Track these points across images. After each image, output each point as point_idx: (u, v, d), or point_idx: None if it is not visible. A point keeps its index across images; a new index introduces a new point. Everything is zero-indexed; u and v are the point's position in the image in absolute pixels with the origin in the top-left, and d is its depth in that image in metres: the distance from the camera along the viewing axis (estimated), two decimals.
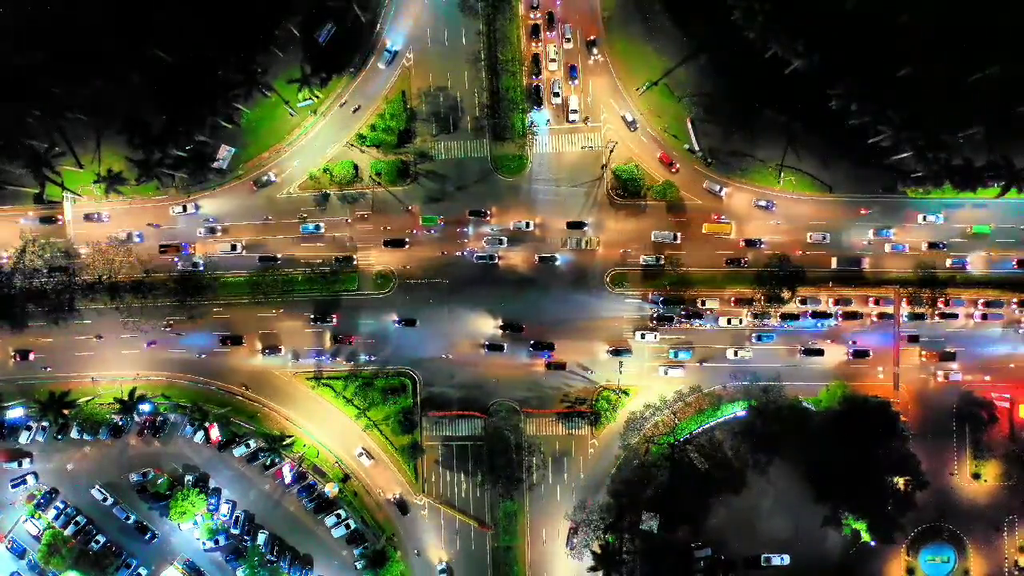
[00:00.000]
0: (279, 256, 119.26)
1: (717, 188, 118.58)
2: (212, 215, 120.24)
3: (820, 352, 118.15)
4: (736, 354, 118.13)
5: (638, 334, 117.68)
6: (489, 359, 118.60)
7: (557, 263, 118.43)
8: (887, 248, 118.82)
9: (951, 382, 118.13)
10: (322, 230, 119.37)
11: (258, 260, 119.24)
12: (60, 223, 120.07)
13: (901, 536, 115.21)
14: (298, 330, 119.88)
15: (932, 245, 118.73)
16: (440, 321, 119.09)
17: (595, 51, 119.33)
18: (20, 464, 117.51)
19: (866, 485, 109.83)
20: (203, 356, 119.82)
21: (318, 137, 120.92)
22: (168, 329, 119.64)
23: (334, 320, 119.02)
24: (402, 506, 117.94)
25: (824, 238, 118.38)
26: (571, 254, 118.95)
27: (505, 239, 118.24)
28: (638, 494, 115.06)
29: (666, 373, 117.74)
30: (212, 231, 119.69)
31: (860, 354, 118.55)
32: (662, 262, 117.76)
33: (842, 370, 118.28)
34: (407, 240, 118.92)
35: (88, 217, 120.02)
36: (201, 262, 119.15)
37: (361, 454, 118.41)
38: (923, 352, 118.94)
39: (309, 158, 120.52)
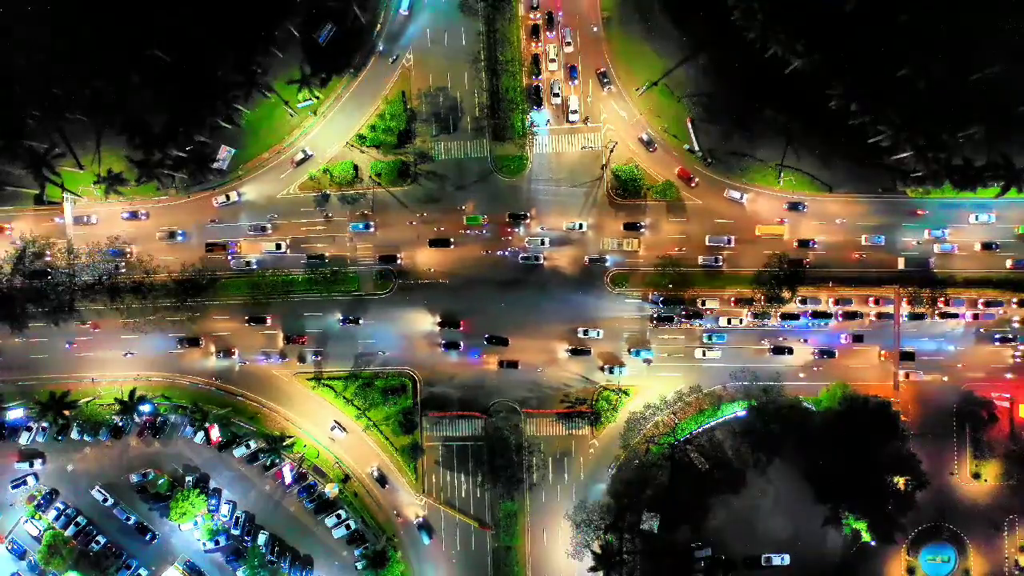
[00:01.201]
0: (327, 255, 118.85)
1: (738, 195, 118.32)
2: (271, 212, 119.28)
3: (789, 351, 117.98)
4: (704, 354, 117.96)
5: (580, 331, 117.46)
6: (444, 358, 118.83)
7: (608, 264, 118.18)
8: (936, 248, 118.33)
9: (911, 381, 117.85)
10: (372, 229, 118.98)
11: (306, 259, 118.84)
12: (96, 222, 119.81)
13: (901, 536, 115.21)
14: (247, 331, 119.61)
15: (986, 246, 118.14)
16: (402, 321, 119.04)
17: (606, 80, 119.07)
18: (32, 464, 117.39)
19: (866, 485, 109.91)
20: (128, 355, 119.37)
21: (323, 132, 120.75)
22: (96, 330, 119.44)
23: (268, 321, 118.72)
24: (381, 479, 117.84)
25: (880, 240, 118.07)
26: (618, 254, 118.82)
27: (547, 240, 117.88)
28: (638, 494, 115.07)
29: (611, 372, 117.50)
30: (263, 229, 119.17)
31: (826, 353, 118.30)
32: (721, 264, 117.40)
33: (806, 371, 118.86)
34: (452, 240, 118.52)
35: (129, 216, 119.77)
36: (254, 261, 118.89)
37: (334, 427, 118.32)
38: (882, 351, 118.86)
39: (321, 147, 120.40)
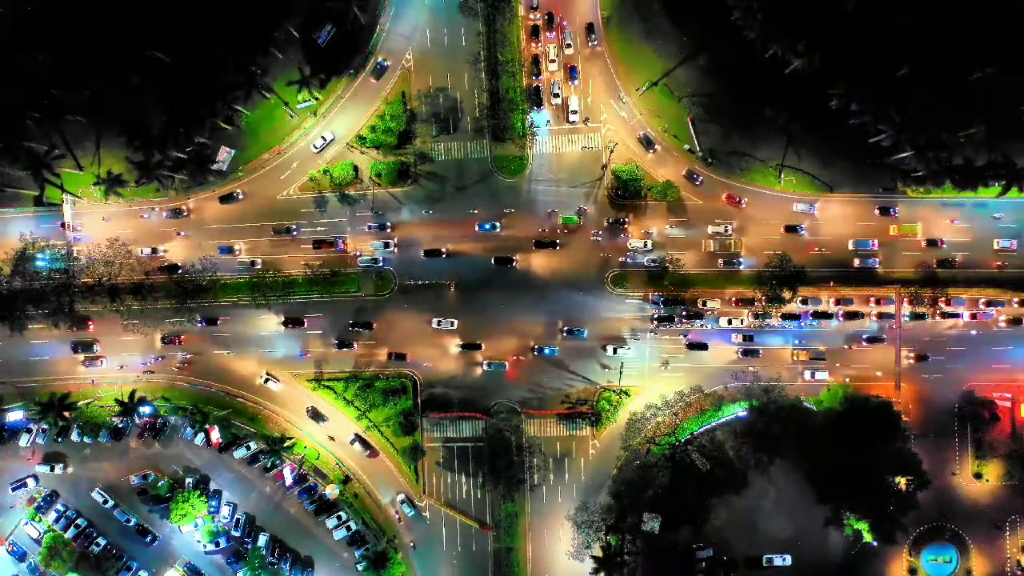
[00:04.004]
0: (444, 251, 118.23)
1: (808, 207, 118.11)
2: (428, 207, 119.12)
3: (704, 347, 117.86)
4: (615, 351, 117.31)
5: (434, 321, 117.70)
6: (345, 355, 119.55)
7: (741, 266, 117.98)
8: None
9: (818, 381, 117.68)
10: (499, 229, 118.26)
11: (423, 255, 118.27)
12: (187, 214, 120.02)
13: (903, 536, 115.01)
14: (119, 335, 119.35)
15: None
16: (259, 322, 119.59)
17: (651, 141, 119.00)
18: (52, 469, 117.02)
19: (868, 485, 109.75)
20: None
21: (332, 122, 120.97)
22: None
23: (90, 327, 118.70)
24: (316, 415, 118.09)
25: (1008, 243, 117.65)
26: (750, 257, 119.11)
27: (649, 242, 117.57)
28: (639, 495, 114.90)
29: (490, 367, 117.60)
30: (382, 227, 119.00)
31: (749, 352, 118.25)
32: (877, 266, 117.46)
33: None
34: (558, 242, 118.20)
35: (224, 199, 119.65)
36: (381, 259, 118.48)
37: (267, 380, 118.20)
38: (795, 352, 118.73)
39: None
